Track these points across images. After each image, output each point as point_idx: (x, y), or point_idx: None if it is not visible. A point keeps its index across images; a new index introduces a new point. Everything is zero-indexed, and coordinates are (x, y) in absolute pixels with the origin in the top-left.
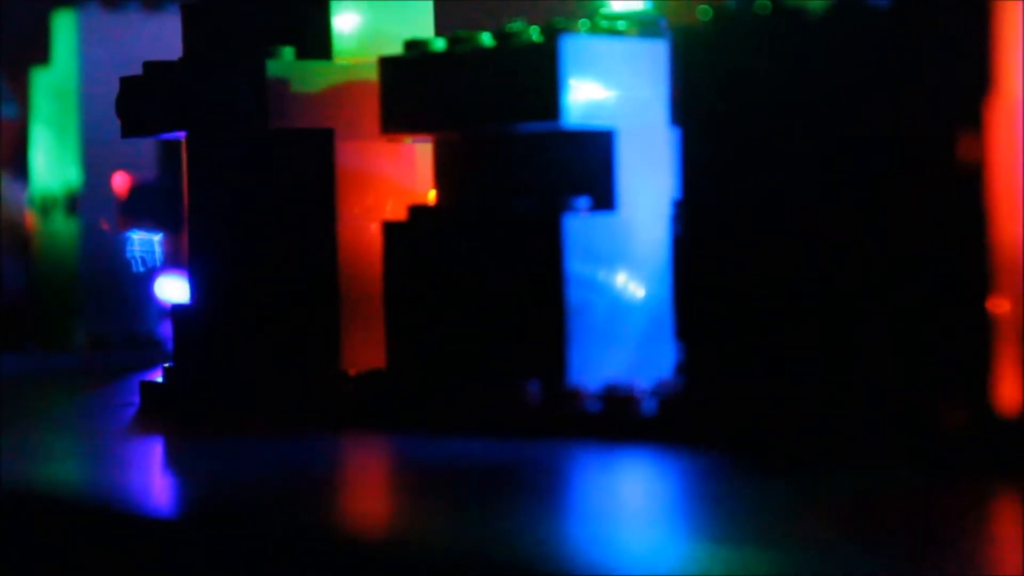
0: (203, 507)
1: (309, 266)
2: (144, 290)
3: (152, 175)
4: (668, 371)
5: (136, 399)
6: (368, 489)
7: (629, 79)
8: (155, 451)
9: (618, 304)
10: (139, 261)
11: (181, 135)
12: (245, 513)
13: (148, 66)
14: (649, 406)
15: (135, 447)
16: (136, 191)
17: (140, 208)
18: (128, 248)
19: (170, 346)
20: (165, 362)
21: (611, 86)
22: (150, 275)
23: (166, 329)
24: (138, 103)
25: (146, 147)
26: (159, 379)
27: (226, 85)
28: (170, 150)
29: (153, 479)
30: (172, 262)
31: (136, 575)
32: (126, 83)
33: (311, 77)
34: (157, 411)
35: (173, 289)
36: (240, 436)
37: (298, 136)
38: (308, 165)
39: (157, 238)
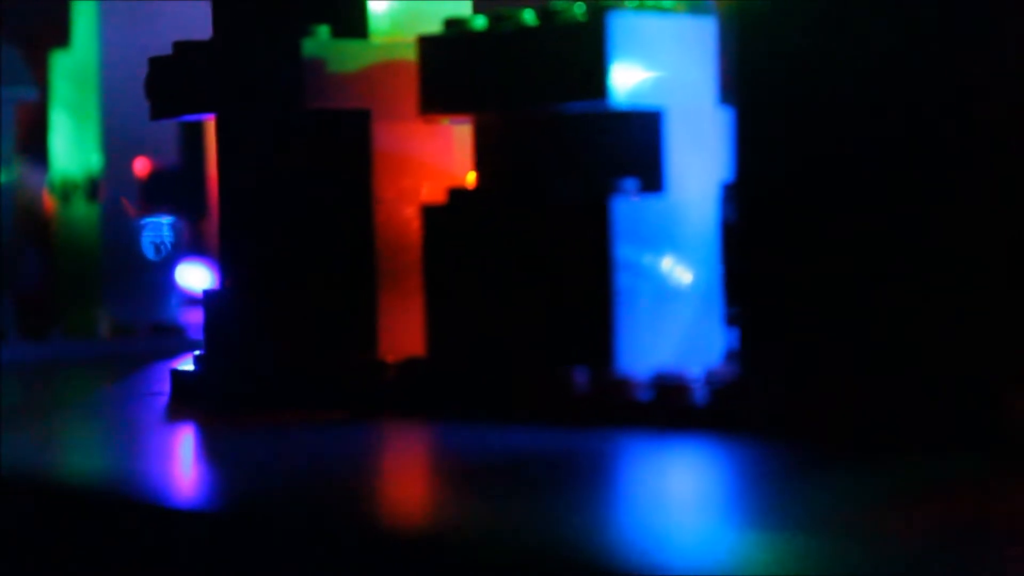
0: (244, 500)
1: (345, 250)
2: (165, 277)
3: (173, 160)
4: (717, 358)
5: (165, 388)
6: (412, 480)
7: (677, 57)
8: (190, 442)
9: (666, 289)
10: (155, 248)
11: (210, 117)
12: (286, 505)
13: (178, 46)
14: (702, 394)
15: (169, 438)
16: (157, 176)
17: (161, 193)
18: (144, 234)
19: (199, 333)
20: (189, 350)
21: (659, 65)
22: (170, 262)
23: (188, 316)
24: (168, 84)
25: (167, 131)
26: (189, 367)
27: (260, 65)
28: (192, 134)
29: (190, 471)
30: (194, 249)
31: (174, 568)
32: (155, 64)
33: (347, 56)
34: (188, 400)
35: (195, 276)
36: (276, 425)
37: (334, 117)
38: (344, 147)
39: (172, 224)
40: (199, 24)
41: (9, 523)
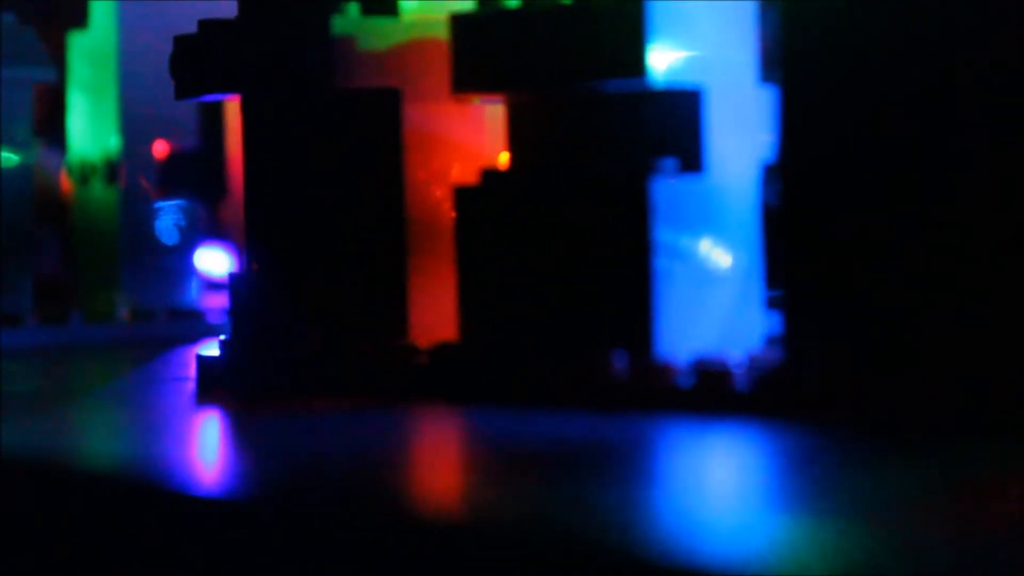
0: (276, 489)
1: (375, 233)
2: (184, 261)
3: (192, 141)
4: (758, 342)
5: (191, 373)
6: (448, 469)
7: (717, 34)
8: (219, 430)
9: (705, 272)
10: (170, 231)
11: (235, 97)
12: (318, 495)
13: (204, 24)
14: (744, 380)
15: (198, 425)
16: (175, 158)
17: (179, 176)
18: (159, 218)
19: (222, 318)
20: (209, 334)
21: (699, 41)
22: (189, 245)
23: (208, 300)
24: (192, 63)
25: (187, 112)
26: (214, 352)
27: (288, 44)
28: (211, 115)
29: (221, 460)
30: (213, 232)
31: (206, 558)
32: (180, 42)
33: (377, 34)
34: (214, 386)
35: (214, 260)
36: (306, 412)
37: (364, 96)
38: (374, 127)
39: (188, 207)
40: (218, 4)
41: (41, 511)
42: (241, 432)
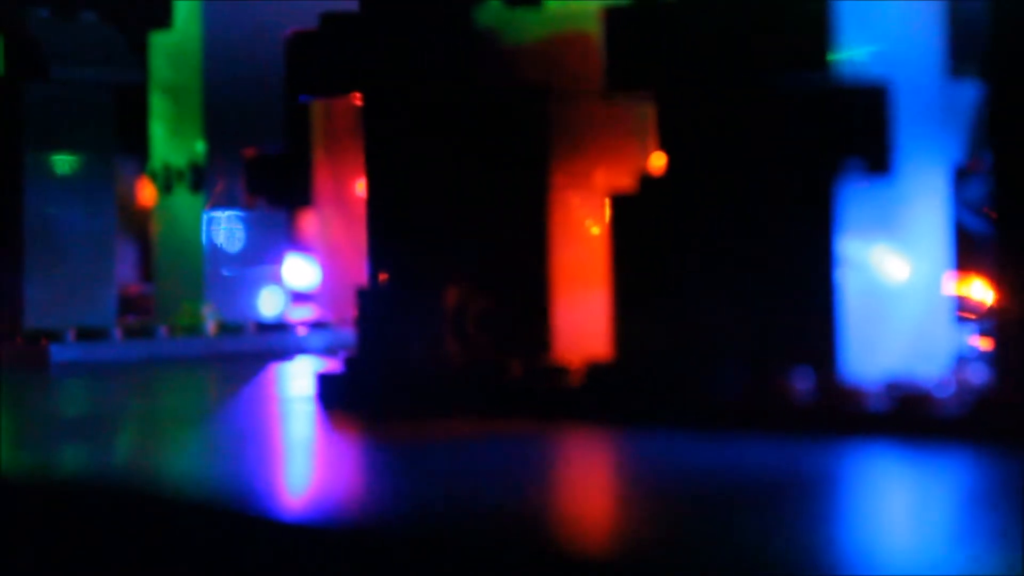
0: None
1: (518, 243)
2: (270, 272)
3: (277, 146)
4: (949, 362)
5: (312, 392)
6: (612, 500)
7: (905, 25)
8: (358, 454)
9: (891, 283)
10: (226, 240)
11: (355, 96)
12: (468, 527)
13: (326, 18)
14: (949, 404)
15: (335, 449)
16: (260, 164)
17: (264, 182)
18: (217, 227)
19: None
20: (299, 349)
21: (885, 33)
22: (272, 256)
23: (294, 313)
24: (311, 60)
25: (272, 116)
26: (337, 370)
27: (424, 38)
28: (299, 118)
29: (365, 488)
30: (297, 242)
31: None
32: (297, 39)
33: (522, 27)
34: (338, 405)
35: (299, 272)
36: (447, 434)
37: (508, 95)
38: (519, 127)
39: (239, 215)
40: (305, 3)
41: (184, 544)
42: (381, 457)
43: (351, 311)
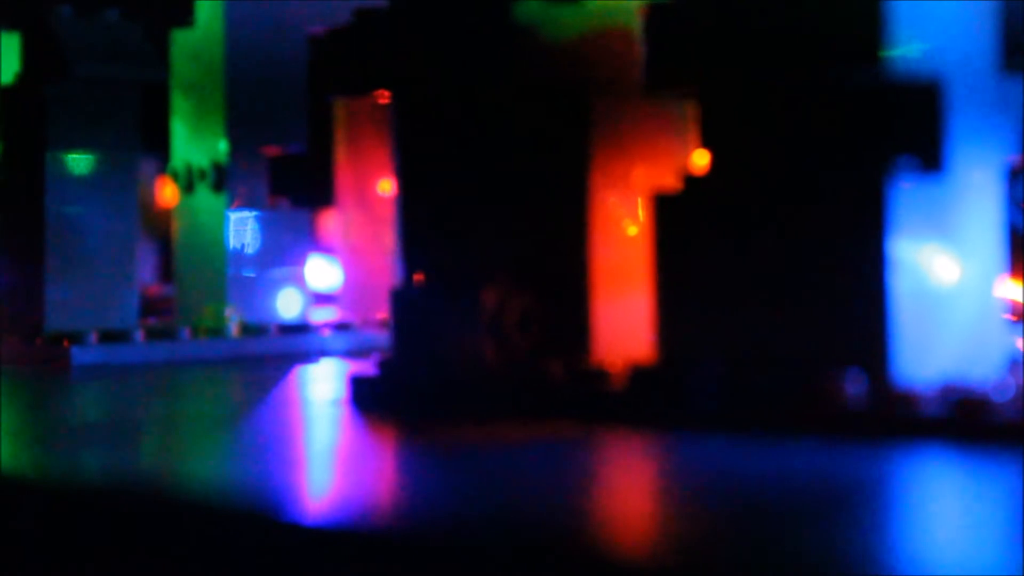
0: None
1: (557, 244)
2: (292, 273)
3: (300, 146)
4: (1004, 365)
5: (344, 394)
6: (665, 507)
7: (959, 20)
8: (401, 460)
9: (944, 284)
10: (243, 242)
11: (380, 94)
12: (512, 534)
13: (359, 14)
14: (1008, 407)
15: (376, 454)
16: (282, 163)
17: (286, 183)
18: (239, 227)
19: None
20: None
21: (939, 28)
22: (294, 257)
23: (317, 315)
24: (343, 57)
25: (294, 114)
26: (371, 373)
27: (461, 34)
28: (321, 117)
29: (407, 494)
30: (320, 243)
31: None
32: (329, 36)
33: (561, 23)
34: (373, 408)
35: (322, 273)
36: (487, 437)
37: (547, 92)
38: (558, 125)
39: (261, 215)
40: (331, 3)
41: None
42: (423, 463)
43: (374, 312)
